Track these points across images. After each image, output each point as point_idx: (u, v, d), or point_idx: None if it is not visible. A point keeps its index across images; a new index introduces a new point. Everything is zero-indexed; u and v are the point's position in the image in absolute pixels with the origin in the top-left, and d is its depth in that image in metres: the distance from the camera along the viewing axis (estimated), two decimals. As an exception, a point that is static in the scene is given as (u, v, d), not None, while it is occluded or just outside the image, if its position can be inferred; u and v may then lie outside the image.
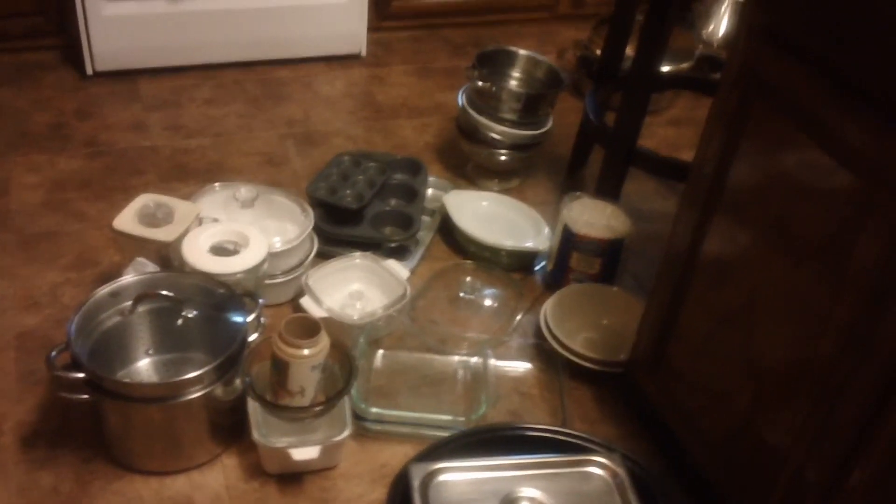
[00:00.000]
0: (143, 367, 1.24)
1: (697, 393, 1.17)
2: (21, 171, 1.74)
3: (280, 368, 1.13)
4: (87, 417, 1.21)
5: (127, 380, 1.19)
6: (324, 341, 1.15)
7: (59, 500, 1.14)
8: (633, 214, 1.56)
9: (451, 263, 1.62)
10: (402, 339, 1.42)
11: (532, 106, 1.76)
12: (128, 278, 1.19)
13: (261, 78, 2.15)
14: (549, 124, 1.80)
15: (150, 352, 1.24)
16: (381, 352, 1.40)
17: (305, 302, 1.39)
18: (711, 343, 1.13)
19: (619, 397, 1.37)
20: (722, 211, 1.08)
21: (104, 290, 1.17)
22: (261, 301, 1.23)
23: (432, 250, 1.65)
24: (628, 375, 1.34)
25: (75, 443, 1.20)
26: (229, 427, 1.20)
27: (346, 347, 1.24)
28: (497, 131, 1.75)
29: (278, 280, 1.43)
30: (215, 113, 2.00)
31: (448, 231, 1.68)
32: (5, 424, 1.22)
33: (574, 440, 1.16)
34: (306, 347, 1.12)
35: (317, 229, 1.52)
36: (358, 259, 1.50)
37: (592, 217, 1.53)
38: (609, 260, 1.52)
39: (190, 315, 1.18)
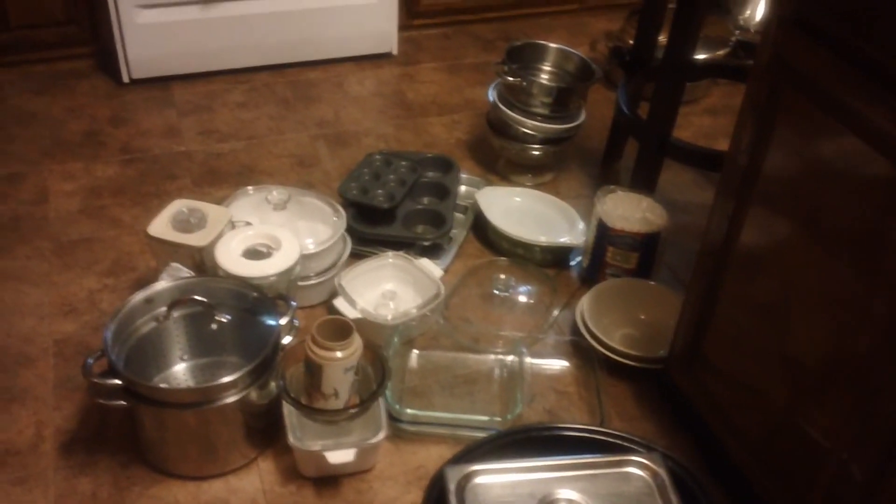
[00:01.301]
0: (179, 371, 1.25)
1: (735, 389, 1.14)
2: (57, 179, 1.76)
3: (313, 371, 1.13)
4: (125, 423, 1.22)
5: (163, 385, 1.19)
6: (356, 343, 1.14)
7: (99, 505, 1.15)
8: (670, 206, 1.53)
9: (484, 260, 1.60)
10: (435, 339, 1.41)
11: (563, 99, 1.73)
12: (162, 284, 1.20)
13: (291, 80, 2.15)
14: (582, 117, 1.77)
15: (186, 357, 1.25)
16: (415, 352, 1.39)
17: (339, 303, 1.38)
18: (748, 338, 1.10)
19: (658, 394, 1.34)
20: (757, 201, 1.05)
21: (139, 296, 1.17)
22: (293, 304, 1.22)
23: (465, 248, 1.64)
24: (666, 372, 1.31)
25: (113, 448, 1.21)
26: (264, 430, 1.20)
27: (379, 348, 1.23)
28: (528, 126, 1.73)
29: (311, 282, 1.43)
30: (247, 116, 2.01)
31: (481, 228, 1.66)
32: (45, 431, 1.24)
33: (613, 440, 1.14)
34: (339, 350, 1.11)
35: (349, 230, 1.52)
36: (391, 259, 1.49)
37: (627, 210, 1.50)
38: (645, 254, 1.48)
39: (223, 319, 1.18)
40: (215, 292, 1.21)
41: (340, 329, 1.13)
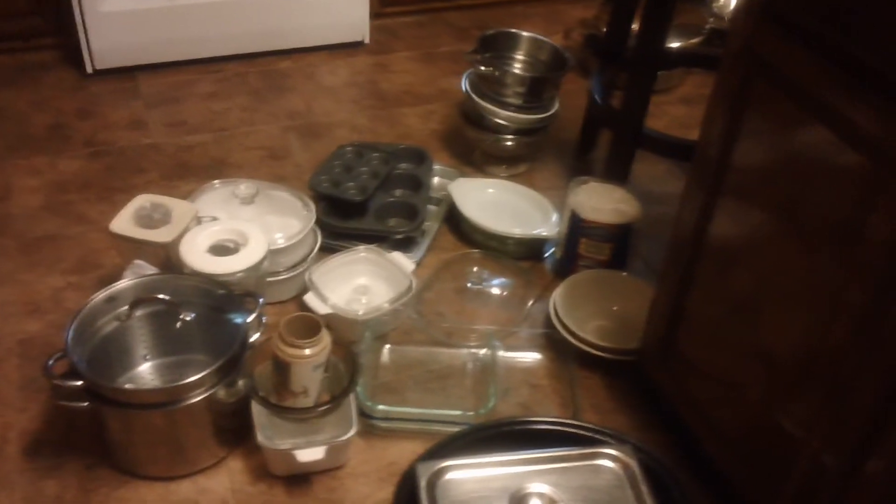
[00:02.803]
0: (144, 371, 1.23)
1: (709, 382, 1.14)
2: (22, 175, 1.72)
3: (282, 369, 1.11)
4: (92, 424, 1.19)
5: (127, 386, 1.17)
6: (325, 340, 1.12)
7: (65, 508, 1.13)
8: (644, 197, 1.52)
9: (457, 253, 1.58)
10: (408, 334, 1.40)
11: (537, 89, 1.72)
12: (124, 282, 1.17)
13: (262, 70, 2.12)
14: (556, 107, 1.76)
15: (150, 356, 1.23)
16: (387, 347, 1.37)
17: (309, 299, 1.36)
18: (721, 330, 1.09)
19: (632, 386, 1.34)
20: (728, 193, 1.05)
21: (100, 295, 1.15)
22: (261, 300, 1.20)
23: (439, 240, 1.62)
24: (639, 364, 1.31)
25: (79, 450, 1.19)
26: (233, 429, 1.18)
27: (350, 344, 1.21)
28: (502, 117, 1.71)
29: (281, 277, 1.41)
30: (217, 108, 1.97)
31: (455, 220, 1.64)
32: (9, 433, 1.21)
33: (584, 432, 1.13)
34: (307, 347, 1.10)
35: (320, 223, 1.50)
36: (363, 252, 1.47)
37: (600, 202, 1.49)
38: (619, 245, 1.48)
39: (188, 318, 1.15)
40: (180, 290, 1.19)
41: (309, 326, 1.11)
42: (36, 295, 1.44)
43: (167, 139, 1.86)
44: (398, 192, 1.66)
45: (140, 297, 1.15)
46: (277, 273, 1.39)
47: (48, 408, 1.24)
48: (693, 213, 1.09)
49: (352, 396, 1.18)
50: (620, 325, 1.41)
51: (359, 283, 1.45)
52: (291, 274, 1.42)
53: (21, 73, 2.03)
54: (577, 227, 1.47)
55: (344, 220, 1.55)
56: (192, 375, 1.07)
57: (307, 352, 1.10)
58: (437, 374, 1.34)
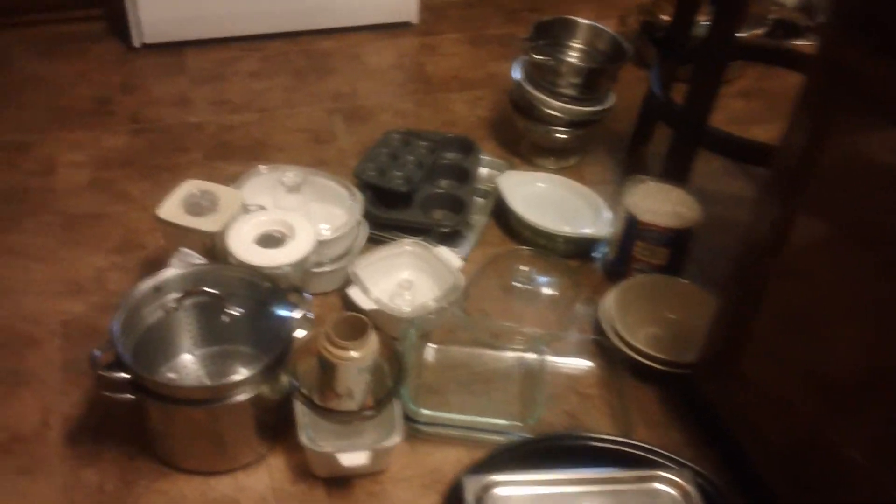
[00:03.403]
0: (188, 361, 1.21)
1: (768, 402, 1.09)
2: (65, 149, 1.70)
3: (327, 370, 1.08)
4: (132, 412, 1.17)
5: (172, 381, 1.15)
6: (372, 342, 1.09)
7: (104, 498, 1.11)
8: (699, 196, 1.46)
9: (505, 250, 1.54)
10: (452, 332, 1.36)
11: (593, 80, 1.66)
12: (171, 271, 1.15)
13: (305, 49, 2.08)
14: (612, 100, 1.70)
15: (195, 346, 1.21)
16: (431, 346, 1.34)
17: (353, 292, 1.33)
18: (786, 349, 1.05)
19: (685, 400, 1.29)
20: (807, 205, 0.99)
21: (147, 284, 1.12)
22: (307, 296, 1.17)
23: (486, 235, 1.58)
24: (694, 378, 1.26)
25: (119, 438, 1.17)
26: (275, 426, 1.16)
27: (396, 344, 1.18)
28: (555, 108, 1.66)
29: (325, 269, 1.37)
30: (260, 87, 1.94)
31: (502, 214, 1.60)
32: (51, 418, 1.20)
33: (640, 452, 1.09)
34: (354, 349, 1.07)
35: (365, 213, 1.46)
36: (408, 246, 1.44)
37: (657, 203, 1.43)
38: (676, 250, 1.42)
39: (235, 313, 1.13)
40: (226, 281, 1.16)
41: (356, 327, 1.08)
42: (79, 274, 1.42)
43: (211, 118, 1.82)
44: (444, 183, 1.61)
45: (188, 290, 1.12)
46: (321, 265, 1.36)
47: (89, 393, 1.23)
48: (766, 223, 1.04)
49: (395, 399, 1.14)
50: (674, 334, 1.36)
51: (403, 278, 1.41)
52: (335, 266, 1.38)
53: (66, 43, 2.01)
54: (632, 229, 1.42)
55: (388, 211, 1.51)
56: (237, 372, 1.05)
57: (354, 354, 1.07)
58: (482, 377, 1.31)
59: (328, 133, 1.82)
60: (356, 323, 1.09)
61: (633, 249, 1.44)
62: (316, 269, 1.35)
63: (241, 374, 1.14)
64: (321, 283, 1.39)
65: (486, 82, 2.03)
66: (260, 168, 1.46)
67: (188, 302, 1.14)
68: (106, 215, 1.55)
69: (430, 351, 1.33)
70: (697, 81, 1.47)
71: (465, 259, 1.49)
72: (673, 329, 1.38)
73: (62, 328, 1.33)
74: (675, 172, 1.53)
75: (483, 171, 1.68)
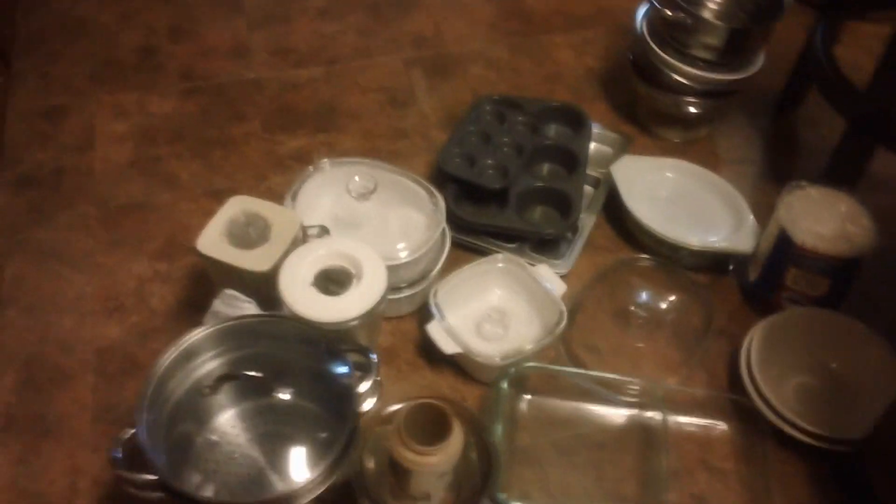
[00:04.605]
0: (226, 422, 0.97)
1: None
2: (107, 116, 1.48)
3: (399, 472, 0.86)
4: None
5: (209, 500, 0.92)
6: (456, 441, 0.86)
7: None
8: (872, 209, 1.14)
9: (618, 260, 1.26)
10: (553, 379, 1.12)
11: (737, 43, 1.31)
12: (201, 333, 0.91)
13: (384, -22, 1.76)
14: (759, 65, 1.34)
15: (237, 426, 0.98)
16: (525, 398, 1.10)
17: (434, 331, 1.09)
18: None
19: (842, 482, 1.03)
20: None
21: (175, 352, 0.90)
22: (374, 358, 0.94)
23: (594, 236, 1.29)
24: (858, 459, 0.99)
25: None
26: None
27: (486, 430, 0.95)
28: (688, 75, 1.32)
29: (402, 295, 1.13)
30: (329, 30, 1.65)
31: (615, 210, 1.31)
32: (80, 482, 1.03)
33: None
34: (434, 454, 0.84)
35: (448, 213, 1.20)
36: (501, 263, 1.18)
37: (821, 220, 1.12)
38: (840, 281, 1.12)
39: (285, 397, 0.91)
40: (278, 337, 0.94)
41: (437, 424, 0.85)
42: (118, 287, 1.23)
43: (271, 73, 1.56)
44: (546, 173, 1.33)
45: (226, 374, 0.90)
46: (399, 289, 1.12)
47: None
48: None
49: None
50: (832, 388, 1.09)
51: (492, 304, 1.17)
52: (413, 292, 1.14)
53: (109, -24, 1.75)
54: (786, 252, 1.12)
55: (477, 212, 1.24)
56: (292, 451, 0.83)
57: (434, 459, 0.84)
58: (588, 442, 1.07)
59: (407, 92, 1.53)
60: (437, 418, 0.85)
61: (784, 276, 1.14)
62: (391, 296, 1.11)
63: (297, 462, 0.93)
64: (395, 307, 1.16)
65: (597, 19, 1.69)
66: (323, 163, 1.21)
67: (226, 385, 0.93)
68: (150, 206, 1.34)
69: (524, 403, 1.10)
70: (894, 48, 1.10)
71: (569, 273, 1.22)
72: (830, 381, 1.10)
73: (96, 359, 1.14)
74: (844, 173, 1.20)
75: (592, 146, 1.37)
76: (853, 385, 1.08)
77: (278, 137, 1.44)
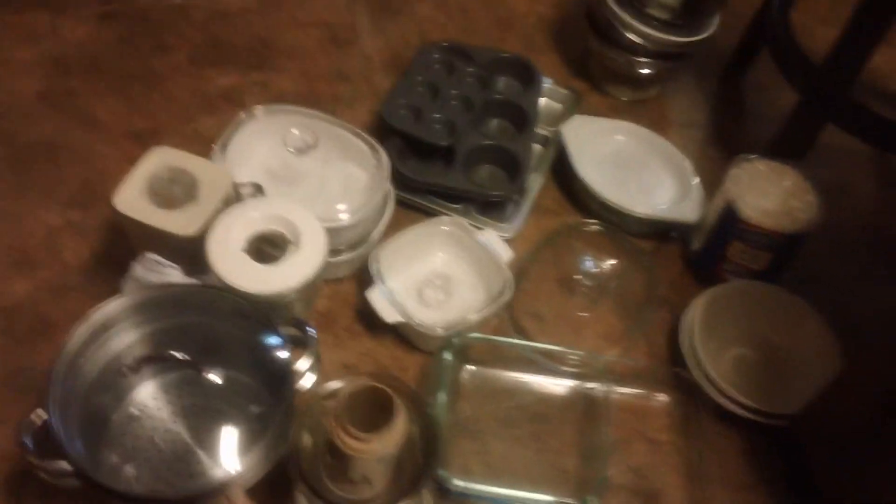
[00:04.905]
0: (147, 394, 0.90)
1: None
2: (15, 40, 1.34)
3: (338, 456, 0.82)
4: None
5: (131, 491, 0.85)
6: (399, 426, 0.82)
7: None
8: (816, 183, 1.13)
9: (565, 225, 1.23)
10: (495, 349, 1.09)
11: (692, 4, 1.26)
12: (118, 303, 0.84)
13: None
14: (713, 27, 1.30)
15: (158, 397, 0.91)
16: (468, 368, 1.07)
17: (375, 298, 1.04)
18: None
19: (778, 454, 1.05)
20: None
21: (87, 326, 0.82)
22: (312, 334, 0.89)
23: (541, 197, 1.25)
24: (794, 435, 1.01)
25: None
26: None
27: (427, 406, 0.91)
28: (642, 34, 1.27)
29: (341, 258, 1.07)
30: (264, -45, 1.52)
31: (564, 172, 1.26)
32: (-11, 454, 0.95)
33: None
34: (375, 441, 0.80)
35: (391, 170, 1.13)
36: (445, 226, 1.13)
37: (766, 194, 1.10)
38: (781, 256, 1.12)
39: (216, 380, 0.85)
40: (206, 308, 0.87)
41: (380, 409, 0.80)
42: (27, 238, 1.12)
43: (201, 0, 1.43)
44: (494, 130, 1.27)
45: (146, 356, 0.83)
46: (337, 253, 1.06)
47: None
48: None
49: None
50: (768, 360, 1.09)
51: (435, 269, 1.12)
52: (353, 255, 1.08)
53: None
54: (730, 226, 1.11)
55: (422, 168, 1.18)
56: (222, 430, 0.78)
57: (376, 446, 0.80)
58: (530, 414, 1.05)
59: (349, 30, 1.44)
60: (379, 401, 0.81)
61: (727, 249, 1.13)
62: (329, 259, 1.05)
63: (227, 439, 0.88)
64: (332, 271, 1.10)
65: (551, -38, 1.61)
66: (255, 110, 1.12)
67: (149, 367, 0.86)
68: (63, 146, 1.22)
69: (466, 373, 1.07)
70: (856, 28, 1.07)
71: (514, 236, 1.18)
72: (769, 354, 1.10)
73: (4, 320, 1.05)
74: (793, 144, 1.19)
75: (542, 101, 1.32)
76: (791, 359, 1.09)
77: (207, 73, 1.33)
